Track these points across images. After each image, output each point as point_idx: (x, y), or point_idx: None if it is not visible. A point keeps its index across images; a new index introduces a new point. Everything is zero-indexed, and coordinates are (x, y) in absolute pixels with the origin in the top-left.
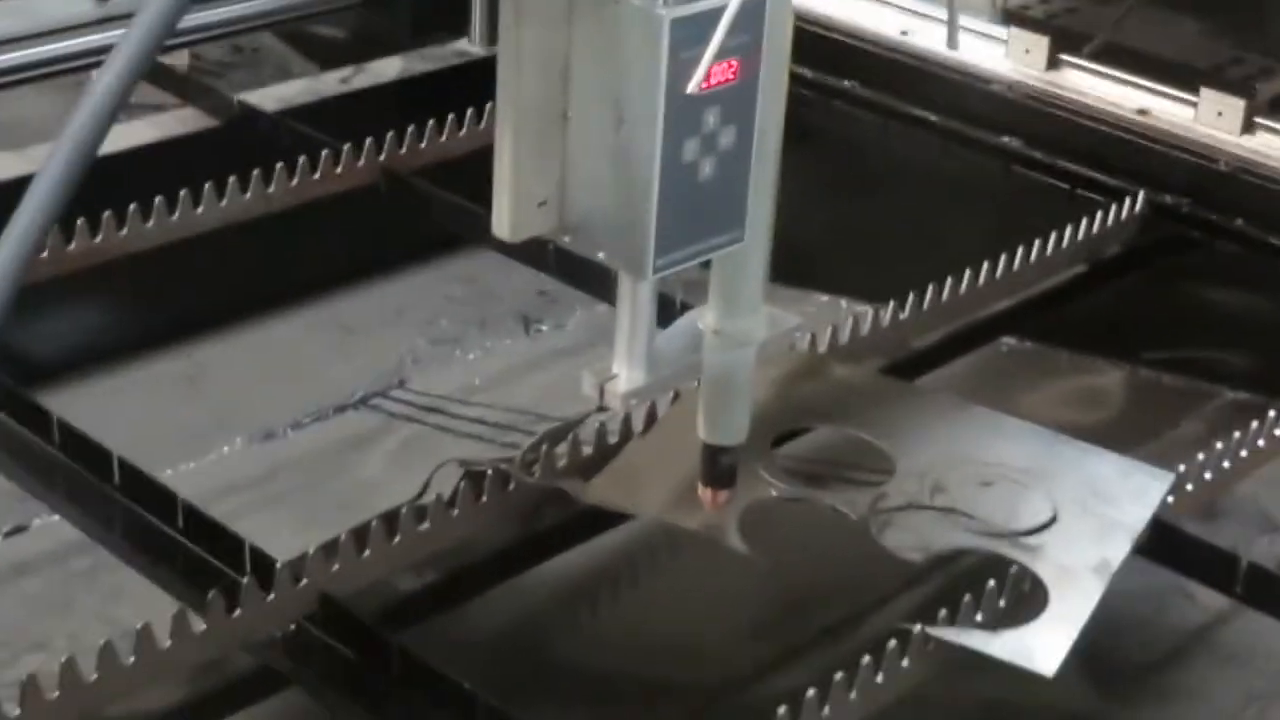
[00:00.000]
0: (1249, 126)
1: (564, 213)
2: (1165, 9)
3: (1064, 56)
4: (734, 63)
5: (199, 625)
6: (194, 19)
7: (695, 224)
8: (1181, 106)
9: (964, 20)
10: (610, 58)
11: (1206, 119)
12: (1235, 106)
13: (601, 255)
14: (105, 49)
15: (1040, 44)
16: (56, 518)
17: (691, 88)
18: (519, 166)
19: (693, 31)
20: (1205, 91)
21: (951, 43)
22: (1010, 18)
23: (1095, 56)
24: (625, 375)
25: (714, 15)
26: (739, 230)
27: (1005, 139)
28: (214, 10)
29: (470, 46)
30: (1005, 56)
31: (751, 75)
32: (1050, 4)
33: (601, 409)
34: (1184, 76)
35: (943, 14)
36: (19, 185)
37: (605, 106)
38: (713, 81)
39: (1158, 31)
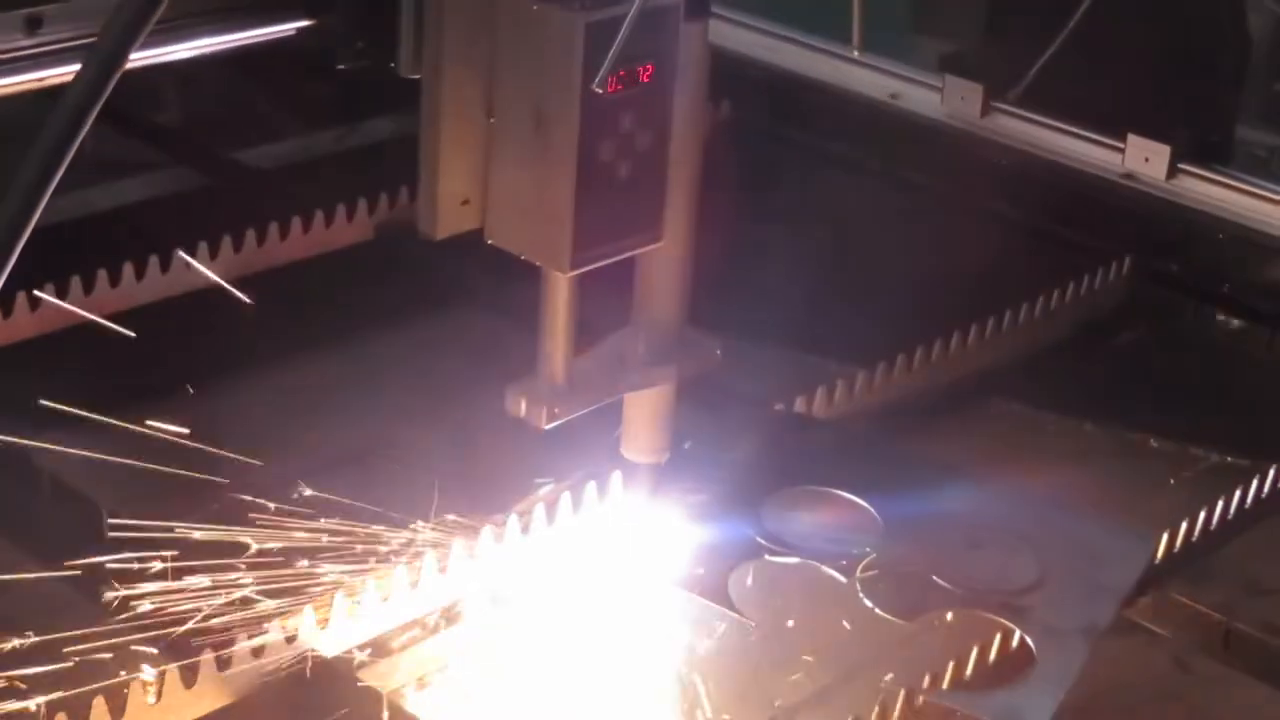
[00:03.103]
0: (1173, 172)
1: (487, 211)
2: (1092, 55)
3: (996, 104)
4: (649, 67)
5: (189, 682)
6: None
7: (613, 222)
8: (1110, 153)
9: (902, 69)
10: (530, 60)
11: (1133, 165)
12: (1160, 152)
13: (523, 253)
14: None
15: (975, 91)
16: (44, 572)
17: (600, 84)
18: (442, 166)
19: (608, 35)
20: (1131, 138)
21: (858, 45)
22: (945, 65)
23: (1025, 103)
24: (549, 390)
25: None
26: (656, 230)
27: (995, 201)
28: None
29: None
30: (941, 104)
31: (666, 79)
32: (984, 52)
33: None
34: (1111, 123)
35: (936, 80)
36: None
37: (525, 107)
38: (627, 83)
39: (1085, 78)
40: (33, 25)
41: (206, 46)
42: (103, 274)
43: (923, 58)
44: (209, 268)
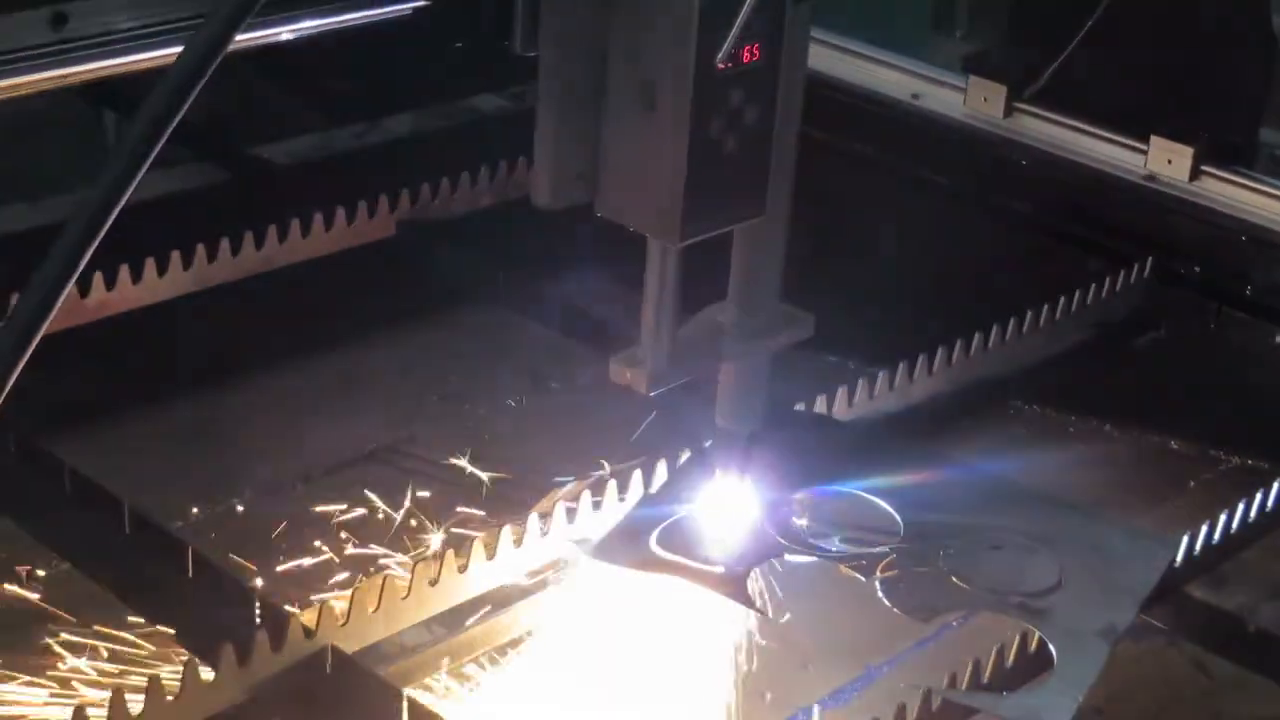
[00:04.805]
0: (1196, 174)
1: (599, 184)
2: (1115, 55)
3: (1019, 105)
4: (757, 46)
5: (208, 675)
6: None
7: (720, 195)
8: (1133, 154)
9: (923, 69)
10: (645, 36)
11: (1156, 166)
12: (1184, 154)
13: (633, 224)
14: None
15: (999, 92)
16: (66, 566)
17: (724, 59)
18: (556, 140)
19: (722, 12)
20: (1155, 139)
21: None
22: (969, 65)
23: (1047, 104)
24: (650, 362)
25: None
26: (760, 204)
27: (1015, 202)
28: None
29: (488, 102)
30: (964, 104)
31: (773, 59)
32: (1008, 52)
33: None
34: (1134, 124)
35: (957, 80)
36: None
37: (638, 82)
38: (738, 61)
39: (1109, 78)
40: (58, 21)
41: (319, 27)
42: (125, 269)
43: (943, 58)
44: (227, 264)
